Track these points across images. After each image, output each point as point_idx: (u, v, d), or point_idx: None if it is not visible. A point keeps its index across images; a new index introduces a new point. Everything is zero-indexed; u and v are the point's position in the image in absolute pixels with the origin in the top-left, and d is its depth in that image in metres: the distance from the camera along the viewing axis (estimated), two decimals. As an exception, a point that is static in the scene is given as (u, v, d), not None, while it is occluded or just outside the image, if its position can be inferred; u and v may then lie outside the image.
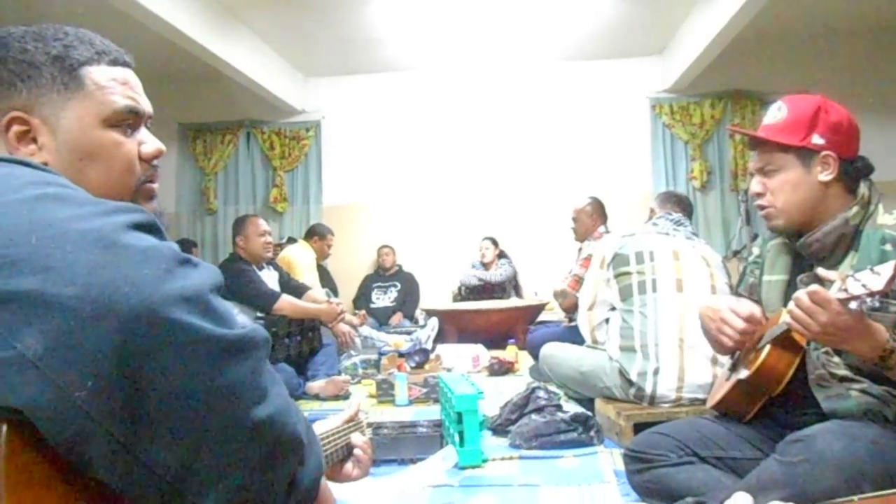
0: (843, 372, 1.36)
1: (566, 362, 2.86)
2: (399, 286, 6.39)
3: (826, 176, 1.39)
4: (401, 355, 4.07)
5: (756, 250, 1.68)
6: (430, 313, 5.69)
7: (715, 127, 6.42)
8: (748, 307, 1.48)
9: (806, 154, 1.40)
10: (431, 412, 2.98)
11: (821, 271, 1.26)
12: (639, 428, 2.11)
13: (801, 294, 1.21)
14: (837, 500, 0.49)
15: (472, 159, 6.65)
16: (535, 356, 3.45)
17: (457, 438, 2.25)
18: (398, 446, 2.33)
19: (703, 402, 2.23)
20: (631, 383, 2.47)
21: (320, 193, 6.82)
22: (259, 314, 3.63)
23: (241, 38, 5.43)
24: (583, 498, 1.95)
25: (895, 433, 1.27)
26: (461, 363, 4.26)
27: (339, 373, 3.95)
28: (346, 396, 3.57)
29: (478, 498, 1.98)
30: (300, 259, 4.98)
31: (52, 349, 0.55)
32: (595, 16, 5.51)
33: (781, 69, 6.12)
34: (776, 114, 1.45)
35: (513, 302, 5.84)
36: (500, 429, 2.65)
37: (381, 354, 4.26)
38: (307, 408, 3.37)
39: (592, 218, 4.08)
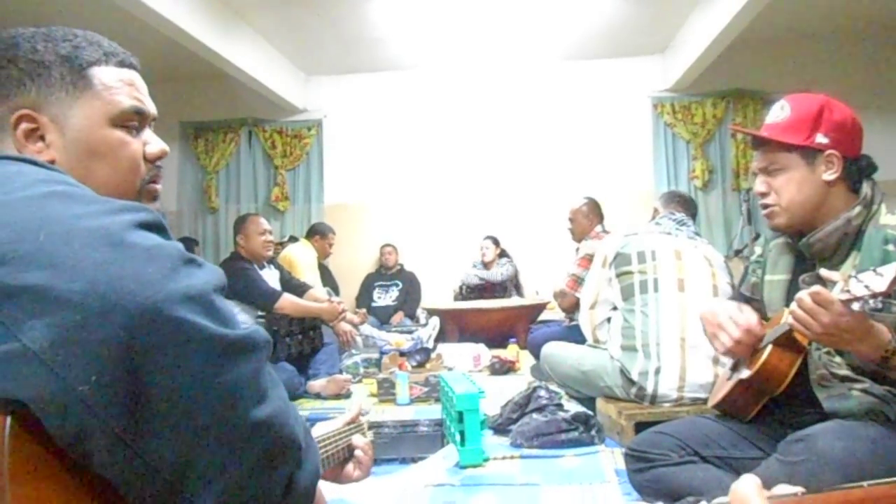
0: (845, 372, 1.36)
1: (567, 361, 2.86)
2: (400, 285, 6.39)
3: (830, 175, 1.39)
4: (402, 354, 4.07)
5: (758, 250, 1.67)
6: (431, 312, 5.69)
7: (717, 126, 6.41)
8: (747, 318, 1.48)
9: (810, 153, 1.39)
10: (432, 411, 2.99)
11: (823, 272, 1.26)
12: (640, 427, 2.11)
13: (804, 295, 1.21)
14: (846, 485, 0.48)
15: (474, 158, 6.65)
16: (536, 355, 3.45)
17: (458, 437, 2.26)
18: (399, 445, 2.33)
19: (705, 401, 2.22)
20: (632, 383, 2.46)
21: (322, 192, 6.81)
22: (260, 313, 3.63)
23: (243, 36, 5.43)
24: (584, 497, 1.95)
25: (896, 433, 1.27)
26: (462, 362, 4.26)
27: (341, 372, 3.96)
28: (347, 395, 3.58)
29: (479, 497, 1.98)
30: (301, 258, 4.98)
31: (58, 343, 0.55)
32: (597, 15, 5.51)
33: (783, 68, 6.12)
34: (779, 113, 1.44)
35: (514, 301, 5.84)
36: (501, 428, 2.66)
37: (382, 353, 4.27)
38: (308, 407, 3.38)
39: (588, 218, 4.07)
